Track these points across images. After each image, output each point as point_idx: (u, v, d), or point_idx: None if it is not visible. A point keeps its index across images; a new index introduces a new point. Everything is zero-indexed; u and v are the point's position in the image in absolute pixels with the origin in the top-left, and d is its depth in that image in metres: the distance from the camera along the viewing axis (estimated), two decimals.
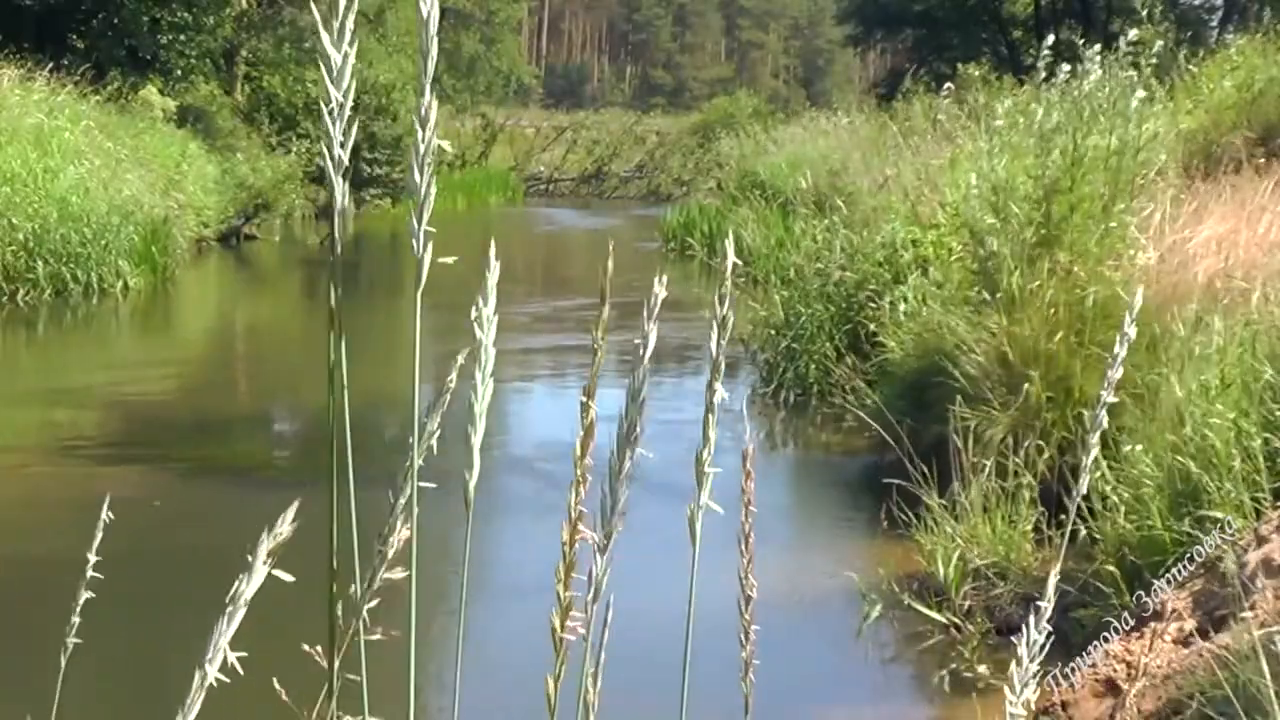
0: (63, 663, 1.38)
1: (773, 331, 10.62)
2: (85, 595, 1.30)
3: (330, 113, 1.02)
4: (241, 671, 0.94)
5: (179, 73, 23.44)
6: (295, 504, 0.96)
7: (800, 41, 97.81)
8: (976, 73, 18.18)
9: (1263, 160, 9.68)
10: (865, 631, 5.70)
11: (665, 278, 1.12)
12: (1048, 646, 1.19)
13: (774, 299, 10.91)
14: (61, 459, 8.14)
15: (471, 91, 46.84)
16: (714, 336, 1.19)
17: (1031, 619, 1.17)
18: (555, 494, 7.47)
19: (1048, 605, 1.19)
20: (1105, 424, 1.37)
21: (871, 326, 9.25)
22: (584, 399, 1.13)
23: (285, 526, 0.94)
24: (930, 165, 12.10)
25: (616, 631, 1.24)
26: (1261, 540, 4.48)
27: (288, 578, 0.94)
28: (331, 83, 1.01)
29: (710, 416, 1.21)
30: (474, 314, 1.11)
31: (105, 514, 1.33)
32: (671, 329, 14.46)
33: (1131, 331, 1.36)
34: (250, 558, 0.92)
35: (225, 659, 0.92)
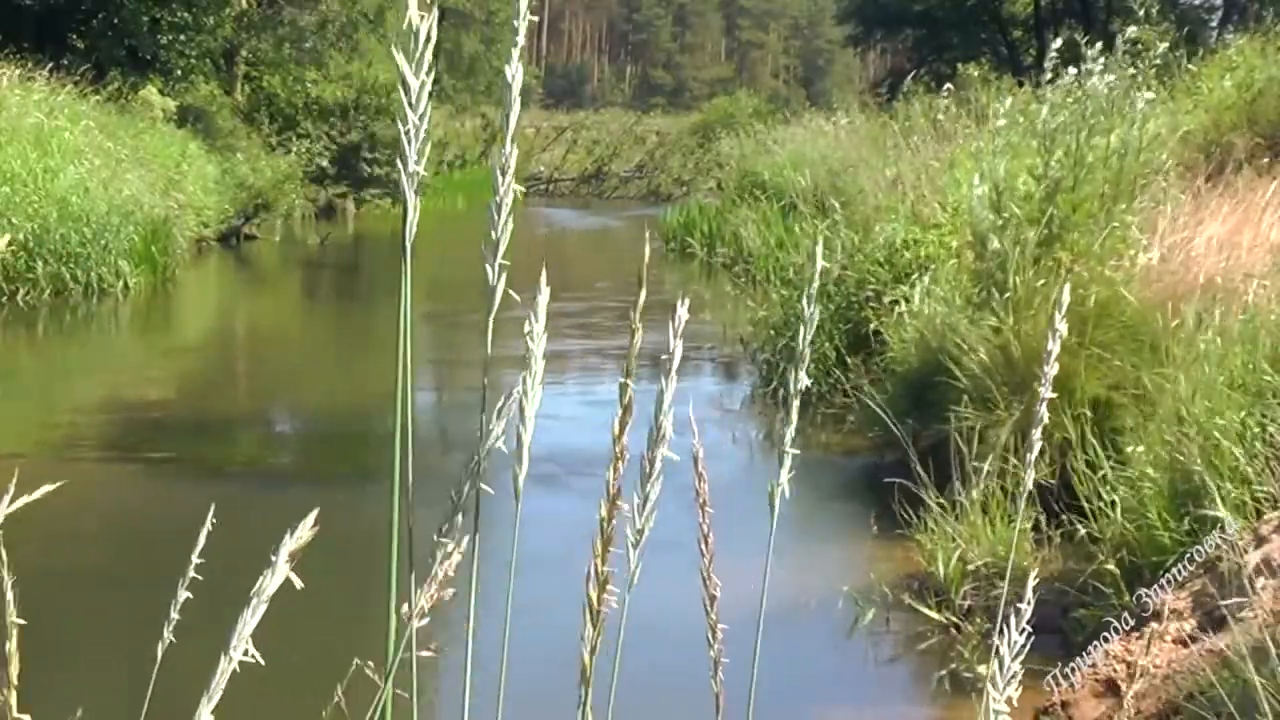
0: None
1: (772, 331, 10.62)
2: (183, 595, 1.33)
3: (406, 135, 1.13)
4: (262, 661, 0.98)
5: (179, 73, 23.45)
6: (315, 511, 1.01)
7: (800, 41, 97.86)
8: (976, 73, 18.17)
9: (1266, 161, 9.68)
10: (865, 631, 5.69)
11: (687, 300, 1.24)
12: (1029, 646, 1.20)
13: (774, 299, 10.91)
14: (61, 459, 8.14)
15: (471, 91, 46.85)
16: (803, 333, 1.32)
17: (1012, 619, 1.19)
18: (552, 496, 7.47)
19: (1027, 606, 1.21)
20: (1045, 419, 1.43)
21: (873, 325, 9.25)
22: (623, 380, 1.24)
23: (307, 530, 1.01)
24: (931, 165, 12.10)
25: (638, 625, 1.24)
26: (1261, 540, 4.48)
27: (298, 582, 0.99)
28: (410, 106, 1.12)
29: (794, 402, 1.36)
30: (526, 328, 1.23)
31: (209, 521, 1.35)
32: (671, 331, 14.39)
33: (1062, 328, 1.41)
34: (273, 556, 0.99)
35: (247, 649, 0.97)
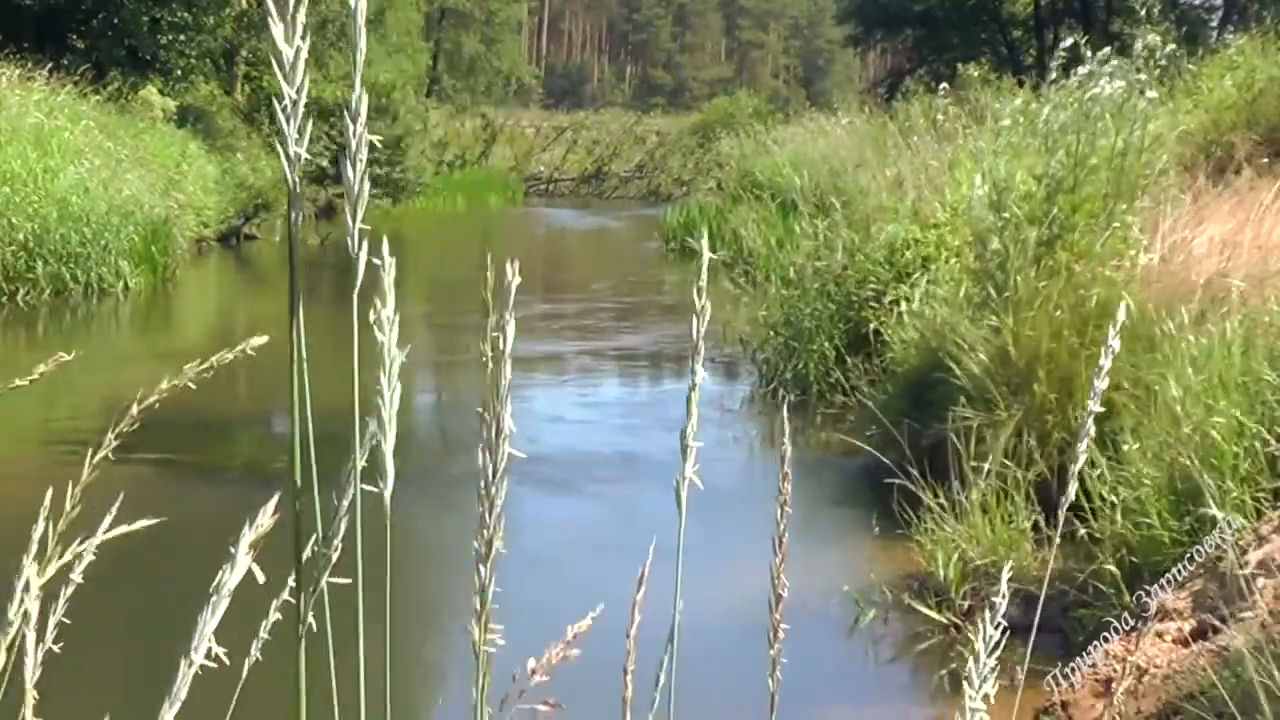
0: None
1: (772, 331, 10.62)
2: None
3: (284, 110, 0.98)
4: (227, 661, 0.95)
5: (179, 73, 23.44)
6: (276, 497, 0.97)
7: (800, 41, 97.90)
8: (976, 73, 18.18)
9: (1266, 161, 9.68)
10: (865, 631, 5.69)
11: (517, 263, 1.07)
12: (1031, 646, 1.20)
13: (773, 298, 10.90)
14: (61, 460, 8.13)
15: (471, 91, 46.84)
16: (695, 325, 1.28)
17: (987, 614, 1.18)
18: (549, 496, 7.48)
19: (1001, 601, 1.20)
20: (1092, 432, 1.42)
21: (873, 325, 9.25)
22: (480, 410, 1.10)
23: (266, 519, 0.95)
24: (930, 165, 12.10)
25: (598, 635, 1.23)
26: (1261, 540, 4.48)
27: (260, 575, 0.95)
28: (284, 79, 0.97)
29: (693, 394, 1.29)
30: (372, 316, 1.10)
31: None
32: (677, 332, 14.45)
33: (1116, 344, 1.39)
34: (232, 549, 0.94)
35: (210, 648, 0.93)
